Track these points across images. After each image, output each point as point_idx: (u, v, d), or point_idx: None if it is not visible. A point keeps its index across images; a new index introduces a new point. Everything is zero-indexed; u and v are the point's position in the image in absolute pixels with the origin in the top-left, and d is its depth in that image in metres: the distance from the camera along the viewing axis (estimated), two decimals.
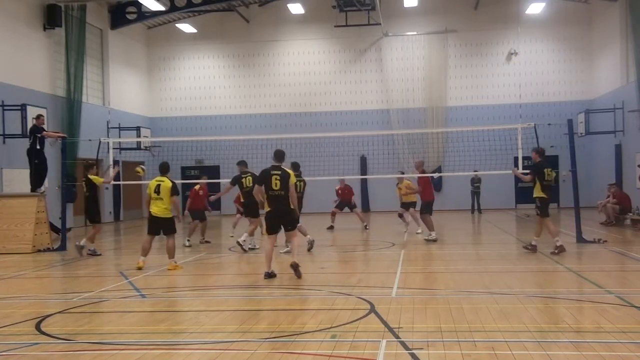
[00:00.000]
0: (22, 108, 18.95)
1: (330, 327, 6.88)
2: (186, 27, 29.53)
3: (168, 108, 30.63)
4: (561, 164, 25.74)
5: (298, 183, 13.20)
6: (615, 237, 15.90)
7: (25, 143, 16.99)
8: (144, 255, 11.94)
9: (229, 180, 15.32)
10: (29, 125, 17.50)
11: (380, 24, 27.60)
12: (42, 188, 16.65)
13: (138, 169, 14.67)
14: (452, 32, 29.05)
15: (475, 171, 22.69)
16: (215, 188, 19.50)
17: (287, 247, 12.98)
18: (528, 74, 28.56)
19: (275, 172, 10.29)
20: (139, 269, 11.61)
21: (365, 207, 28.18)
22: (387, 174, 23.70)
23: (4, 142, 19.31)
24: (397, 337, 6.40)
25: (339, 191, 20.14)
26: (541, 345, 5.98)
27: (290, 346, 6.22)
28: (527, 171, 13.67)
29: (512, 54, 28.82)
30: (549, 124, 18.18)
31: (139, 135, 25.94)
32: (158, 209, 11.73)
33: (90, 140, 18.62)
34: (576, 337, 6.33)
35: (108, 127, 24.60)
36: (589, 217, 20.37)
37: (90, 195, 14.44)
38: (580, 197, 15.32)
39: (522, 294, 8.74)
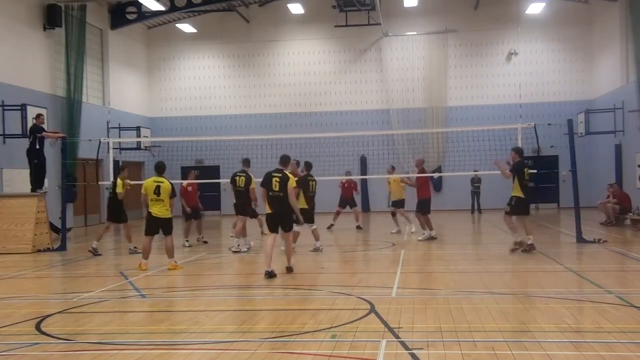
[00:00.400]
0: (22, 108, 18.93)
1: (330, 327, 6.88)
2: (186, 27, 29.52)
3: (168, 108, 30.62)
4: (561, 164, 25.66)
5: (310, 182, 14.04)
6: (615, 237, 15.90)
7: (25, 143, 16.98)
8: (146, 257, 11.95)
9: (228, 180, 15.33)
10: (29, 125, 17.49)
11: (380, 24, 27.59)
12: (43, 188, 16.65)
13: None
14: (452, 32, 29.04)
15: (475, 171, 22.66)
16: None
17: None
18: (528, 74, 28.55)
19: (276, 174, 10.76)
20: (143, 270, 11.61)
21: (365, 207, 28.16)
22: (387, 174, 23.65)
23: (4, 142, 19.30)
24: (397, 337, 6.40)
25: (345, 184, 20.17)
26: (541, 345, 5.97)
27: (290, 346, 6.22)
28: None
29: (512, 54, 28.81)
30: (549, 124, 18.21)
31: (139, 135, 25.93)
32: (159, 210, 11.75)
33: (90, 140, 18.63)
34: (576, 337, 6.33)
35: (108, 127, 24.60)
36: (589, 217, 20.36)
37: (114, 195, 14.54)
38: (580, 197, 15.32)
39: (522, 294, 8.75)
